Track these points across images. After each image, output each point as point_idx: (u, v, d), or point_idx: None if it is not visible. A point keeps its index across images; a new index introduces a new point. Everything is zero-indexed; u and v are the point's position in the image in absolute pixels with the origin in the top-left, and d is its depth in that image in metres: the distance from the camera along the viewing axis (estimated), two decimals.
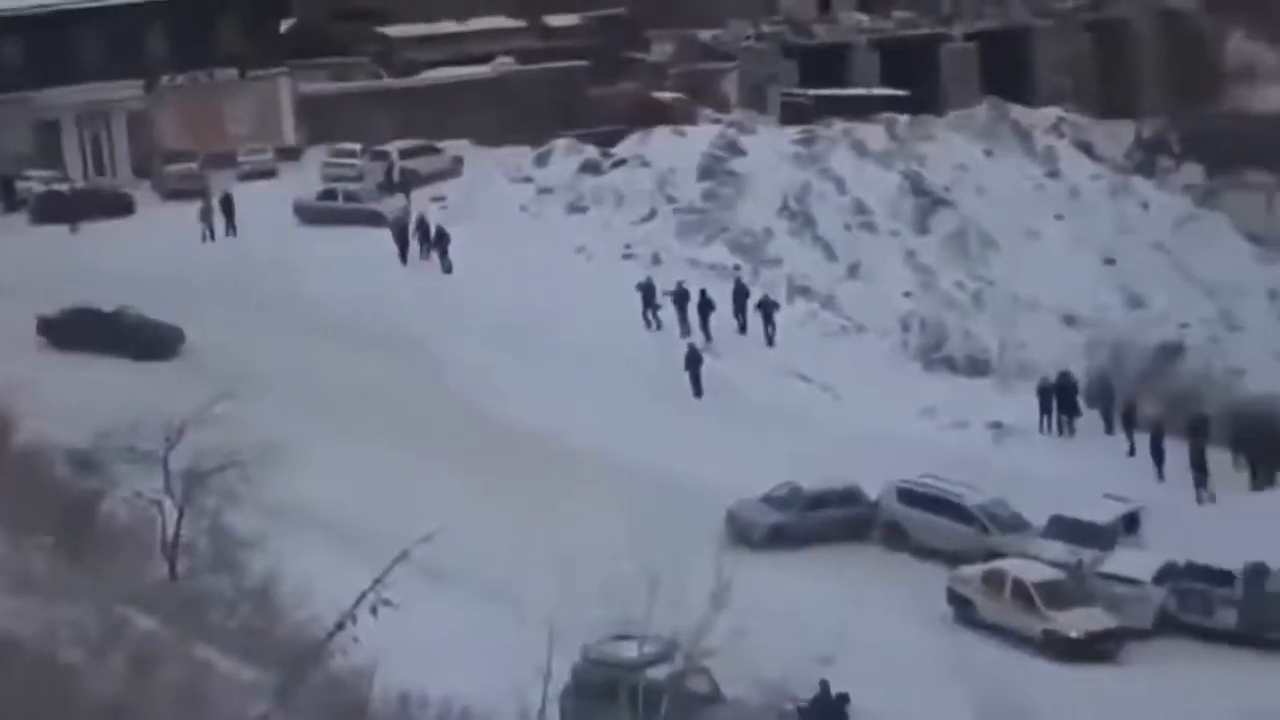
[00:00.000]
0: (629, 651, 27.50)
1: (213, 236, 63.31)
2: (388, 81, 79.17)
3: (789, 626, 33.49)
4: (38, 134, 72.82)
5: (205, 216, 63.46)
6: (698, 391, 50.37)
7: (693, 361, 50.51)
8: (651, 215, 66.32)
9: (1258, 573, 38.34)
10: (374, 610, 23.05)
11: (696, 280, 57.02)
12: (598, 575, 30.32)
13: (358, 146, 71.47)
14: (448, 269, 60.07)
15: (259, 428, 36.11)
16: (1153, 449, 46.19)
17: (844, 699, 31.77)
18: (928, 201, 69.79)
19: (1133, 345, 57.91)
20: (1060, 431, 49.10)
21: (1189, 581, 38.61)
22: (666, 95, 78.46)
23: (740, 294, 55.64)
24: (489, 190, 68.57)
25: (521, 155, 71.56)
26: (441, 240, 60.62)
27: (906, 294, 63.13)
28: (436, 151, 72.03)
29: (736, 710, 30.14)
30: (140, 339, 52.09)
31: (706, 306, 54.54)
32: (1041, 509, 41.70)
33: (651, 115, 75.45)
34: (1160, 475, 45.83)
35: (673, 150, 70.40)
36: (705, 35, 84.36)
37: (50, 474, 34.48)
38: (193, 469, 31.77)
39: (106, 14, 72.82)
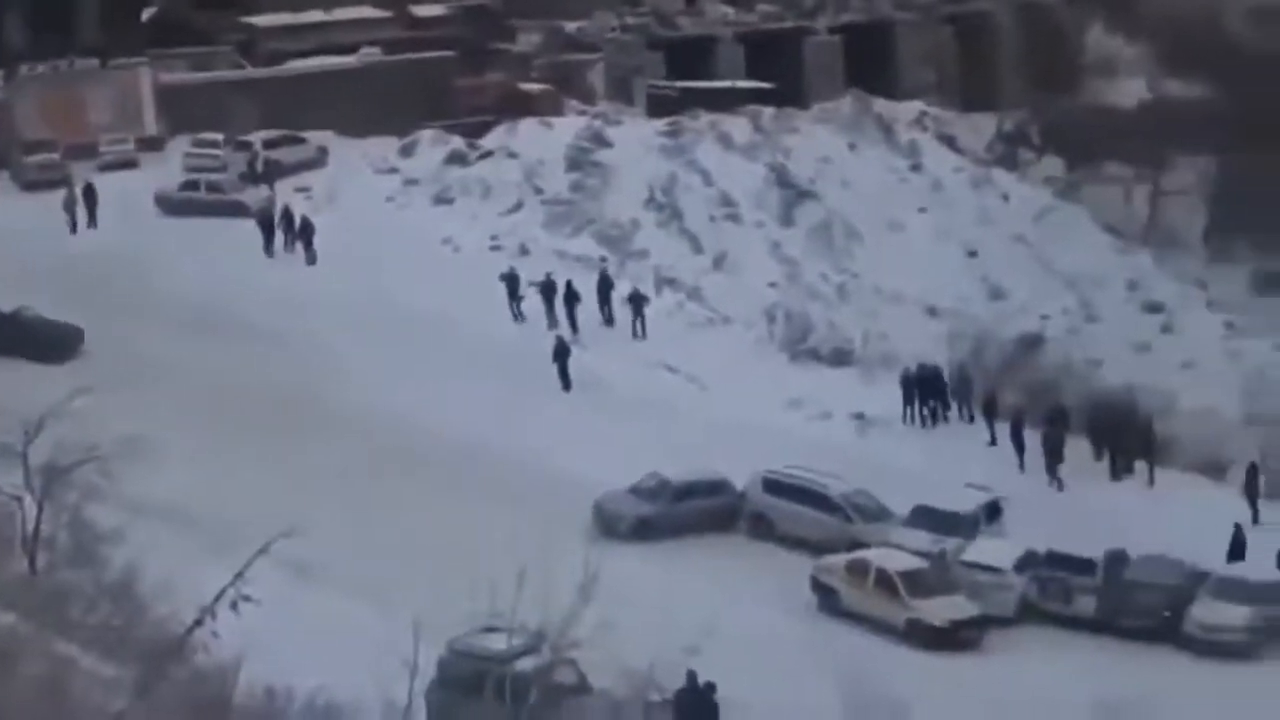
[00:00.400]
0: (496, 644, 27.50)
1: (76, 228, 62.43)
2: (251, 71, 78.37)
3: (656, 617, 33.58)
4: None
5: (69, 207, 62.60)
6: (565, 384, 50.38)
7: (560, 353, 50.51)
8: (518, 207, 66.26)
9: (1117, 561, 38.94)
10: (234, 606, 22.88)
11: (564, 272, 57.01)
12: (464, 568, 30.24)
13: (220, 137, 70.70)
14: (311, 260, 59.62)
15: (120, 422, 35.70)
16: (1013, 438, 46.78)
17: (711, 688, 31.94)
18: (793, 194, 70.24)
19: (994, 336, 58.65)
20: (923, 422, 49.58)
21: (1049, 570, 39.15)
22: (533, 86, 78.33)
23: (605, 285, 55.69)
24: (354, 181, 68.17)
25: (387, 146, 71.23)
26: (305, 231, 60.16)
27: (772, 285, 63.49)
28: (301, 142, 71.46)
29: (603, 701, 30.19)
30: (38, 339, 50.75)
31: (573, 298, 54.55)
32: (904, 498, 42.13)
33: (518, 106, 75.33)
34: (1021, 465, 46.42)
35: (540, 142, 70.34)
36: (571, 27, 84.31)
37: None
38: (52, 463, 31.36)
39: None
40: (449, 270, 58.94)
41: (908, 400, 49.60)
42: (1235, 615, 37.50)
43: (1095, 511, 43.39)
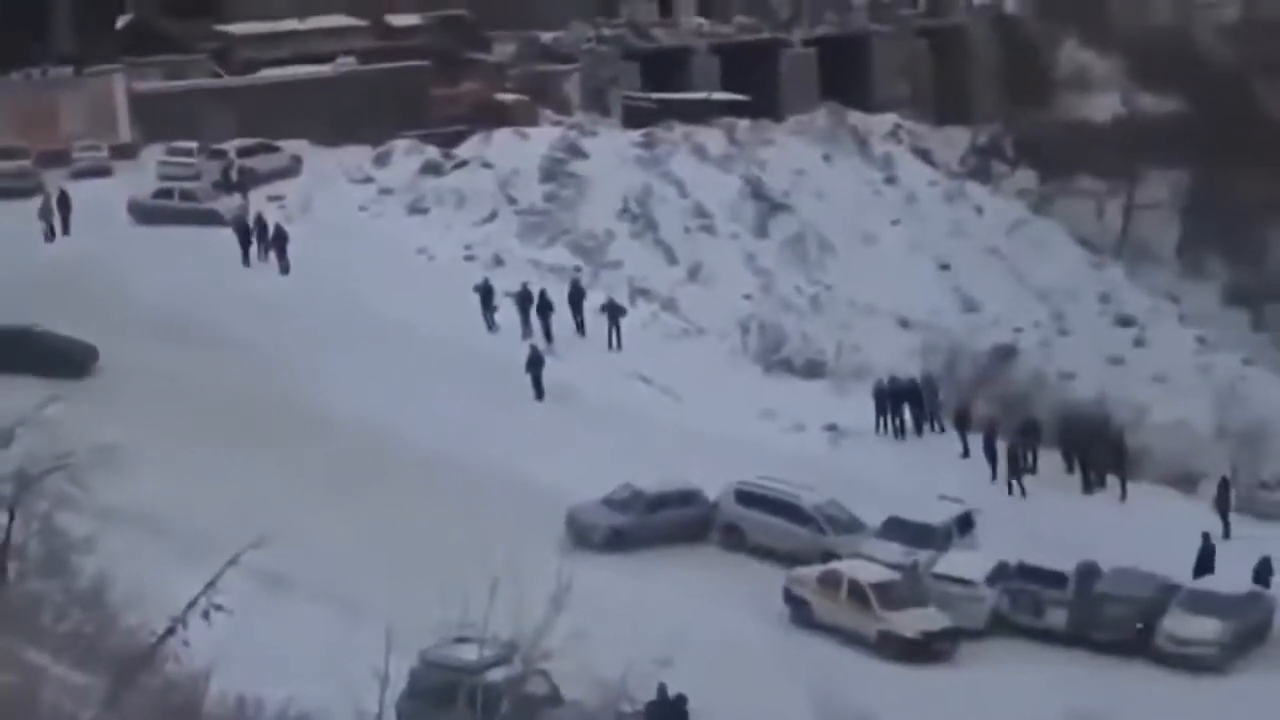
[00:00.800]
0: (468, 654, 27.44)
1: (54, 236, 62.22)
2: (226, 80, 78.29)
3: (628, 628, 33.56)
4: None
5: (45, 215, 62.35)
6: (539, 393, 50.33)
7: (534, 363, 50.45)
8: (493, 217, 66.28)
9: (1088, 574, 39.01)
10: (205, 615, 22.80)
11: (538, 282, 57.00)
12: (436, 577, 30.19)
13: (194, 145, 70.48)
14: (285, 269, 59.51)
15: (91, 429, 35.60)
16: (986, 451, 46.88)
17: (682, 700, 31.92)
18: (767, 205, 70.44)
19: (967, 349, 58.83)
20: (895, 434, 49.65)
21: (1021, 582, 39.19)
22: (508, 96, 78.36)
23: (576, 295, 55.64)
24: (329, 190, 68.10)
25: (362, 155, 71.18)
26: (279, 240, 60.03)
27: (746, 297, 63.64)
28: (275, 150, 71.33)
29: (575, 712, 30.17)
30: (50, 357, 48.92)
31: (546, 308, 54.52)
32: (877, 510, 42.17)
33: (493, 116, 75.37)
34: (993, 477, 46.52)
35: (514, 152, 70.39)
36: (546, 37, 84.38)
37: None
38: (23, 471, 31.23)
39: None
40: (423, 280, 58.89)
41: (880, 412, 49.67)
42: (1207, 628, 37.57)
43: (1067, 524, 43.51)
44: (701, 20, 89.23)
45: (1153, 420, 54.71)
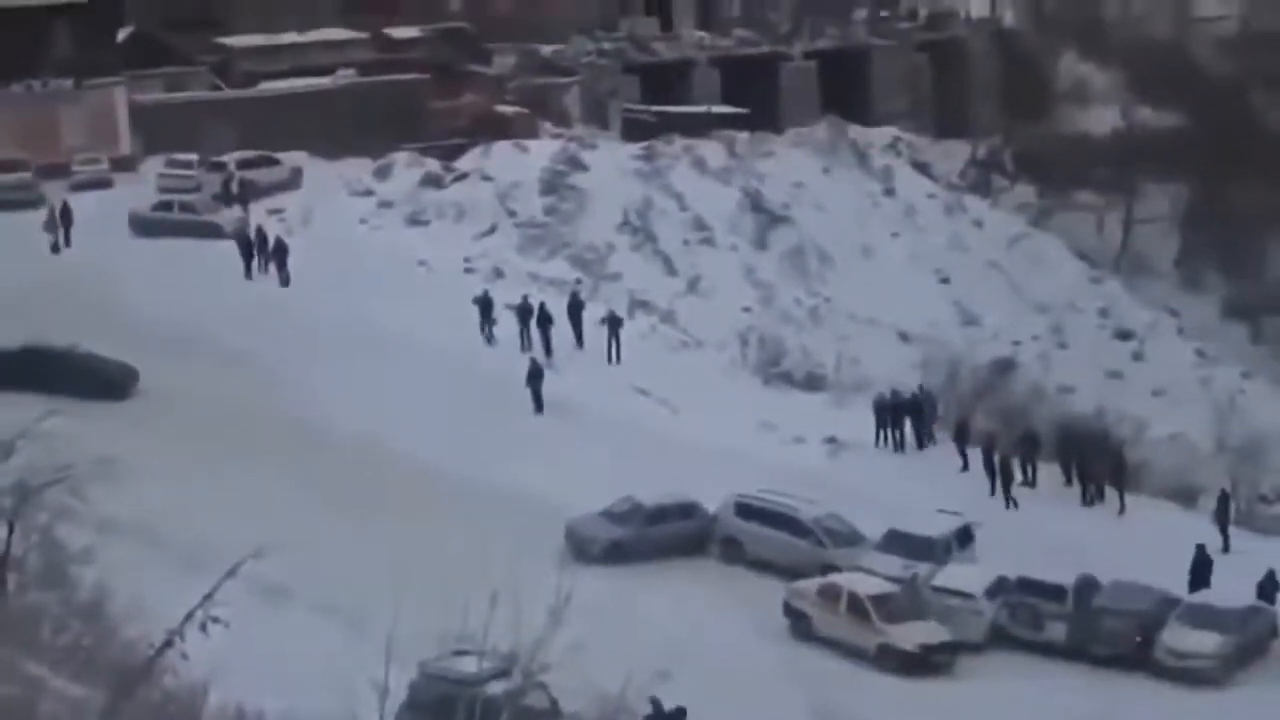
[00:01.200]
0: (467, 667, 27.38)
1: (59, 248, 62.27)
2: (226, 92, 78.45)
3: (627, 641, 33.54)
4: None
5: (50, 227, 62.41)
6: (539, 406, 50.35)
7: (534, 376, 50.46)
8: (493, 230, 66.35)
9: (1087, 587, 39.00)
10: (203, 627, 22.76)
11: (537, 295, 57.03)
12: (435, 590, 30.20)
13: (194, 157, 70.58)
14: (285, 282, 59.55)
15: (91, 443, 35.58)
16: (985, 464, 46.91)
17: (682, 713, 31.91)
18: (766, 218, 70.54)
19: (966, 362, 58.87)
20: (895, 447, 49.67)
21: (1020, 595, 39.17)
22: (508, 109, 78.49)
23: (575, 308, 55.66)
24: (329, 203, 68.15)
25: (362, 168, 71.26)
26: (279, 252, 60.10)
27: (745, 309, 63.70)
28: (275, 163, 71.41)
29: None
30: (88, 379, 48.23)
31: (546, 321, 54.54)
32: (876, 523, 42.17)
33: (493, 129, 75.50)
34: (992, 490, 46.53)
35: (514, 164, 70.47)
36: (547, 50, 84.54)
37: None
38: (23, 483, 31.22)
39: None
40: (422, 292, 58.92)
41: (881, 425, 49.70)
42: (1206, 642, 37.54)
43: (1066, 537, 43.50)
44: (702, 34, 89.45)
45: (1152, 433, 54.76)
